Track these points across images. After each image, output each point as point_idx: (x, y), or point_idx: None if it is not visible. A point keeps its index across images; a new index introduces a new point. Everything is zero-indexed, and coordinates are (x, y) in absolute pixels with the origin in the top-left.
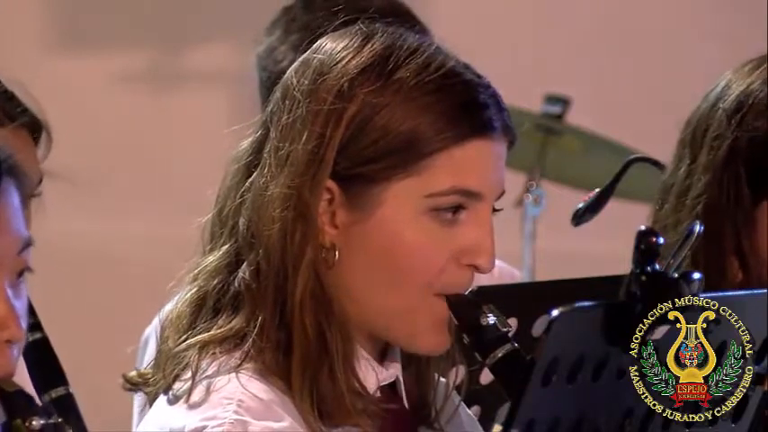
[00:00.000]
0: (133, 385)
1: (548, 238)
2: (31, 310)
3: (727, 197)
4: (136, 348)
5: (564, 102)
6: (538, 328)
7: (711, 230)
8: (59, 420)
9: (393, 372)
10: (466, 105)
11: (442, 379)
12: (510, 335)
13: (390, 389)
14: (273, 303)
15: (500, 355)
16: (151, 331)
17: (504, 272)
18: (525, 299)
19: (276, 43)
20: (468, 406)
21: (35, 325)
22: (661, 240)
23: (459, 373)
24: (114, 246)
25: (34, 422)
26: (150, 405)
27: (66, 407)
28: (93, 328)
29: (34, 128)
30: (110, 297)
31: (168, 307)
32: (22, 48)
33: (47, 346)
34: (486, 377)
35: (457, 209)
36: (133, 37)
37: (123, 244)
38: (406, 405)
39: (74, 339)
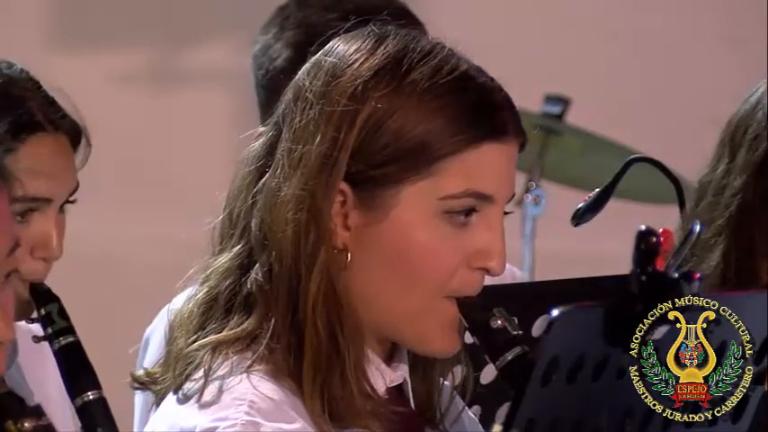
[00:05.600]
0: (141, 384)
1: (548, 238)
2: (63, 314)
3: (762, 197)
4: (137, 349)
5: (564, 102)
6: (538, 328)
7: (744, 230)
8: (50, 422)
9: (401, 374)
10: (479, 108)
11: (447, 382)
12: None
13: (397, 390)
14: (286, 305)
15: (509, 358)
16: (151, 331)
17: (506, 272)
18: (525, 299)
19: (271, 41)
20: (469, 406)
21: (67, 329)
22: (661, 240)
23: (458, 372)
24: (113, 246)
25: (26, 424)
26: (157, 404)
27: (99, 411)
28: (92, 328)
29: (74, 134)
30: (108, 297)
31: (171, 306)
32: (22, 47)
33: (79, 350)
34: (486, 377)
35: (469, 212)
36: (133, 37)
37: (122, 244)
38: (413, 407)
39: None
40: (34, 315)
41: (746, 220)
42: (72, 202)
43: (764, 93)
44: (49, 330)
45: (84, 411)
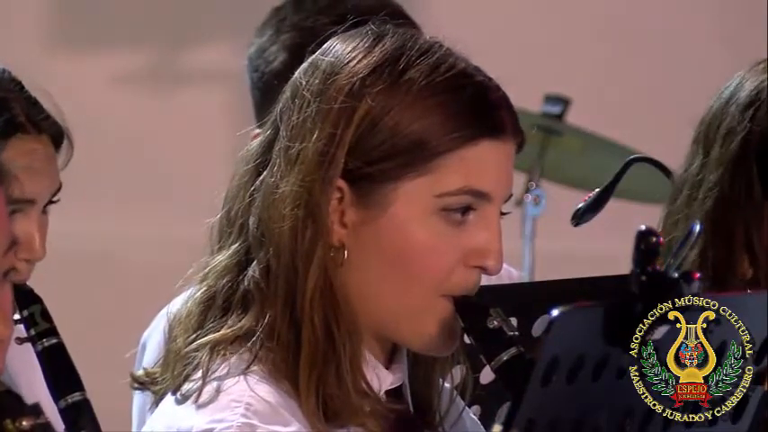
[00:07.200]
0: (140, 384)
1: (548, 238)
2: (46, 315)
3: (738, 192)
4: (134, 352)
5: (564, 102)
6: (538, 328)
7: (721, 225)
8: (48, 421)
9: (399, 376)
10: (477, 106)
11: (447, 384)
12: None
13: (395, 392)
14: (283, 301)
15: (505, 358)
16: (148, 335)
17: (504, 272)
18: (525, 299)
19: (267, 44)
20: (469, 406)
21: (50, 330)
22: (661, 240)
23: (458, 373)
24: (113, 246)
25: (24, 422)
26: (156, 404)
27: (82, 413)
28: (91, 328)
29: (56, 135)
30: (107, 297)
31: (171, 308)
32: (22, 48)
33: (62, 352)
34: (486, 377)
35: (466, 210)
36: (133, 37)
37: (122, 244)
38: (411, 408)
39: (73, 340)
40: (17, 316)
41: (724, 215)
42: (54, 202)
43: (737, 88)
44: (32, 332)
45: (67, 413)
